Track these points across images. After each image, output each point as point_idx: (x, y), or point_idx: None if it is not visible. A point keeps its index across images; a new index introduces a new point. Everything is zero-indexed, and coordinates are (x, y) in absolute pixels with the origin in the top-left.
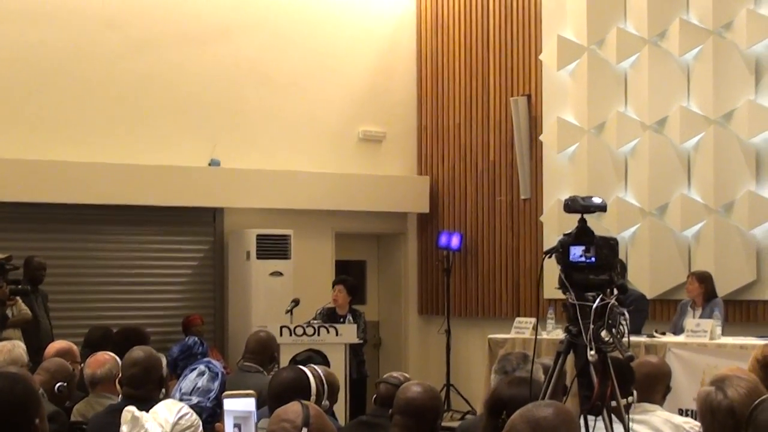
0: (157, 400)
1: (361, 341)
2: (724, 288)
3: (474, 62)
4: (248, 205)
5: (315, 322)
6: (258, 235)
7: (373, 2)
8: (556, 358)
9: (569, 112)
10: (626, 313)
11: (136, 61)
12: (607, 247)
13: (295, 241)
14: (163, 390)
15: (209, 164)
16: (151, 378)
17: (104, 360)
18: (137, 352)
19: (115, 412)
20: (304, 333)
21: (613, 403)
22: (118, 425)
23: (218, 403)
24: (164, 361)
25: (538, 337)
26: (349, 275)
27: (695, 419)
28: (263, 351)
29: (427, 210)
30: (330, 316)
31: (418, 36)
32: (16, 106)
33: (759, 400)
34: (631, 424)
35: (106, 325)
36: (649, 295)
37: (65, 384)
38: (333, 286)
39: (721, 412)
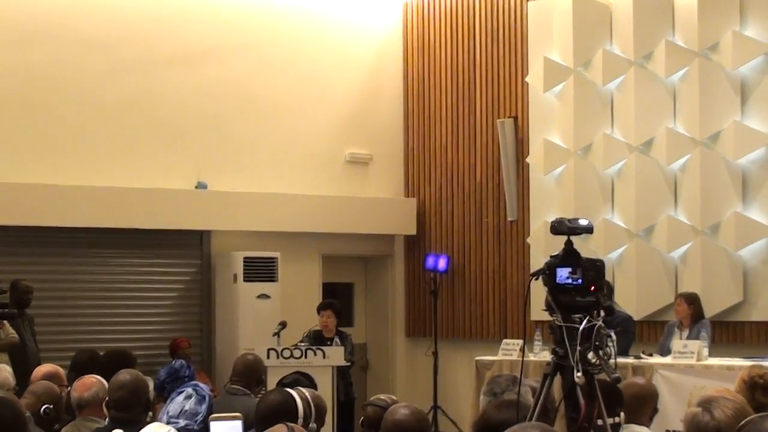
0: (144, 423)
1: (349, 364)
2: (711, 309)
3: (460, 84)
4: (235, 228)
5: (302, 344)
6: (245, 258)
7: (360, 25)
8: (543, 380)
9: (556, 133)
10: (613, 334)
11: (123, 83)
12: (594, 269)
13: (282, 263)
14: (150, 413)
15: (196, 187)
16: (138, 401)
17: (91, 383)
18: (124, 375)
19: None
20: (292, 356)
21: (599, 422)
22: None
23: (205, 426)
24: (151, 384)
25: (525, 358)
26: (337, 297)
27: None
28: (250, 374)
29: (414, 232)
30: (317, 339)
31: (404, 58)
32: (2, 128)
33: (744, 421)
34: None
35: (93, 348)
36: (636, 316)
37: (51, 407)
38: (319, 311)
39: None
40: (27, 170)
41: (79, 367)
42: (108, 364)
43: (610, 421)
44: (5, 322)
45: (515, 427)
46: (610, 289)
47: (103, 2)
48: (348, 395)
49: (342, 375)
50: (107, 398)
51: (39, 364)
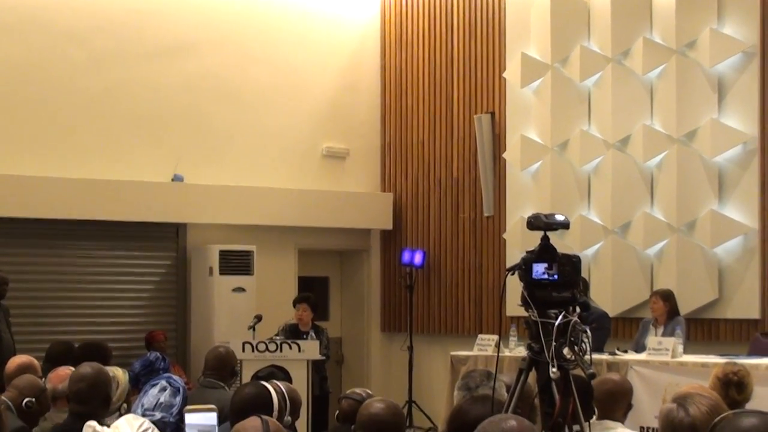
0: (102, 417)
1: (324, 357)
2: (686, 306)
3: (438, 79)
4: (211, 221)
5: (277, 338)
6: (221, 251)
7: (338, 19)
8: (518, 376)
9: (533, 129)
10: (588, 330)
11: (99, 76)
12: (570, 265)
13: (258, 257)
14: (124, 405)
15: (172, 180)
16: (97, 394)
17: (65, 375)
18: (85, 368)
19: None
20: (267, 349)
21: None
22: None
23: (181, 418)
24: (126, 376)
25: (500, 354)
26: (312, 292)
27: None
28: (223, 366)
29: (390, 227)
30: (293, 333)
31: (382, 53)
32: None
33: (719, 417)
34: None
35: (68, 340)
36: (612, 312)
37: (33, 400)
38: (295, 305)
39: (683, 430)
40: (5, 162)
41: (53, 359)
42: (83, 356)
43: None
44: None
45: (491, 419)
46: (586, 286)
47: None
48: (323, 389)
49: (317, 369)
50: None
51: (14, 356)
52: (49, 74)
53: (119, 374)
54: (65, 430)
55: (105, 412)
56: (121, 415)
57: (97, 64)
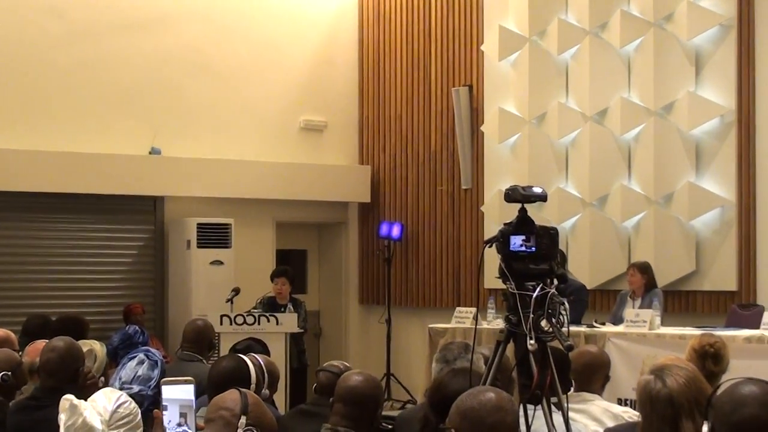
0: (71, 392)
1: (302, 330)
2: (663, 279)
3: (415, 52)
4: (189, 194)
5: (255, 311)
6: (198, 224)
7: None
8: (495, 348)
9: (510, 102)
10: (566, 303)
11: (76, 49)
12: (548, 237)
13: (235, 229)
14: (102, 378)
15: (150, 152)
16: (66, 368)
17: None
18: (57, 341)
19: (27, 403)
20: (245, 322)
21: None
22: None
23: (159, 391)
24: (104, 350)
25: (478, 326)
26: (290, 264)
27: (634, 409)
28: (201, 339)
29: (368, 200)
30: (271, 306)
31: (359, 26)
32: None
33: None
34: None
35: (45, 314)
36: (589, 285)
37: (9, 373)
38: (272, 278)
39: (660, 401)
40: None
41: (30, 332)
42: (60, 329)
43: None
44: None
45: (469, 391)
46: (563, 258)
47: None
48: (301, 362)
49: (295, 342)
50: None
51: None
52: (25, 47)
53: (96, 347)
54: (34, 401)
55: (74, 386)
56: (99, 388)
57: (74, 37)
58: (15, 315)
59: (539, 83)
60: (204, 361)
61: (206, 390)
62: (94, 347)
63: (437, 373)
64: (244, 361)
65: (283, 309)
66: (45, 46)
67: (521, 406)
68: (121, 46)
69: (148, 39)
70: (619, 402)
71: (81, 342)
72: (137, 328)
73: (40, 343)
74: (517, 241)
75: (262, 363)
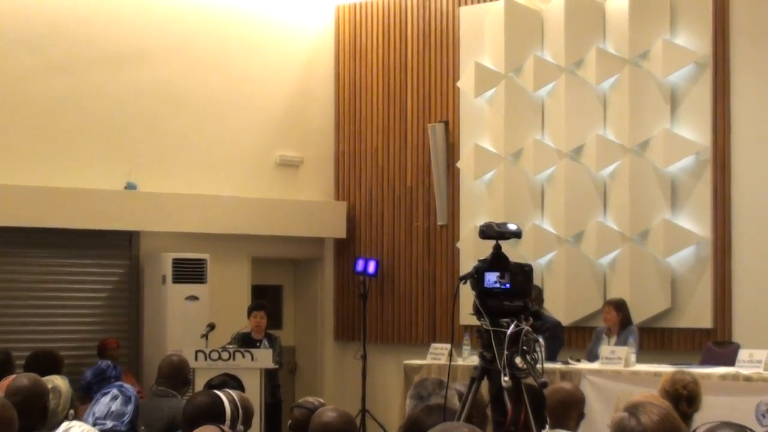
0: (41, 429)
1: (277, 366)
2: (639, 316)
3: (392, 88)
4: (164, 229)
5: (230, 346)
6: (174, 259)
7: (291, 26)
8: (470, 384)
9: (486, 139)
10: (541, 339)
11: (52, 82)
12: (522, 274)
13: (211, 265)
14: (71, 412)
15: (125, 187)
16: (33, 407)
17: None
18: (21, 379)
19: None
20: (220, 357)
21: None
22: None
23: (132, 427)
24: (67, 384)
25: (453, 363)
26: (266, 300)
27: None
28: (176, 375)
29: (344, 235)
30: (245, 341)
31: (336, 61)
32: None
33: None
34: None
35: (7, 349)
36: (565, 322)
37: None
38: (250, 312)
39: None
40: None
41: None
42: (35, 364)
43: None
44: None
45: (442, 426)
46: (540, 293)
47: (33, 1)
48: (275, 397)
49: (270, 377)
50: None
51: None
52: (1, 81)
53: (59, 382)
54: None
55: (43, 423)
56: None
57: (49, 71)
58: None
59: (515, 120)
60: (179, 396)
61: (181, 426)
62: (56, 383)
63: (411, 409)
64: (219, 397)
65: (258, 344)
66: (19, 79)
67: None
68: (97, 81)
69: (125, 73)
70: None
71: (44, 378)
72: (110, 363)
73: (6, 380)
74: (491, 278)
75: (236, 399)
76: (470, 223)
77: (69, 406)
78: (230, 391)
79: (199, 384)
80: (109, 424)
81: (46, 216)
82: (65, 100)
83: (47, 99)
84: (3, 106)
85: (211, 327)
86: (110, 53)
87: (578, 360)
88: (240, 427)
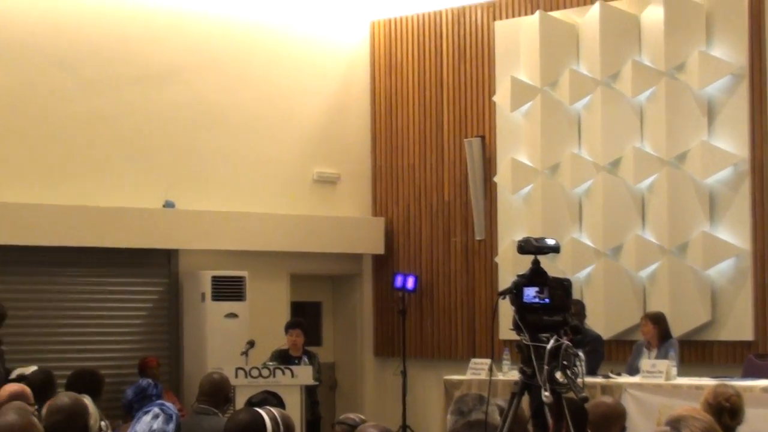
0: None
1: (317, 383)
2: (679, 329)
3: (428, 103)
4: (203, 247)
5: (270, 364)
6: (213, 277)
7: (327, 43)
8: (510, 400)
9: (523, 153)
10: (581, 354)
11: (89, 102)
12: (561, 288)
13: (250, 282)
14: (104, 423)
15: (164, 206)
16: (75, 426)
17: None
18: (62, 398)
19: None
20: (260, 375)
21: None
22: None
23: None
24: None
25: (493, 378)
26: (305, 317)
27: None
28: (217, 393)
29: (382, 251)
30: (283, 358)
31: (371, 77)
32: None
33: None
34: None
35: (48, 368)
36: (605, 335)
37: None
38: (287, 330)
39: None
40: None
41: (33, 388)
42: (76, 383)
43: None
44: None
45: None
46: (582, 308)
47: (70, 21)
48: (314, 414)
49: (309, 394)
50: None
51: (3, 383)
52: (38, 101)
53: (87, 402)
54: None
55: None
56: None
57: (87, 90)
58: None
59: (552, 133)
60: (220, 414)
61: None
62: (85, 402)
63: (452, 425)
64: (260, 415)
65: (296, 361)
66: (58, 99)
67: None
68: (134, 99)
69: (161, 91)
70: None
71: None
72: (151, 381)
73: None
74: (530, 293)
75: (277, 416)
76: (508, 237)
77: (99, 423)
78: (271, 409)
79: (240, 401)
80: None
81: (86, 235)
82: (102, 119)
83: (84, 118)
84: (41, 125)
85: (251, 344)
86: (147, 72)
87: (619, 374)
88: None
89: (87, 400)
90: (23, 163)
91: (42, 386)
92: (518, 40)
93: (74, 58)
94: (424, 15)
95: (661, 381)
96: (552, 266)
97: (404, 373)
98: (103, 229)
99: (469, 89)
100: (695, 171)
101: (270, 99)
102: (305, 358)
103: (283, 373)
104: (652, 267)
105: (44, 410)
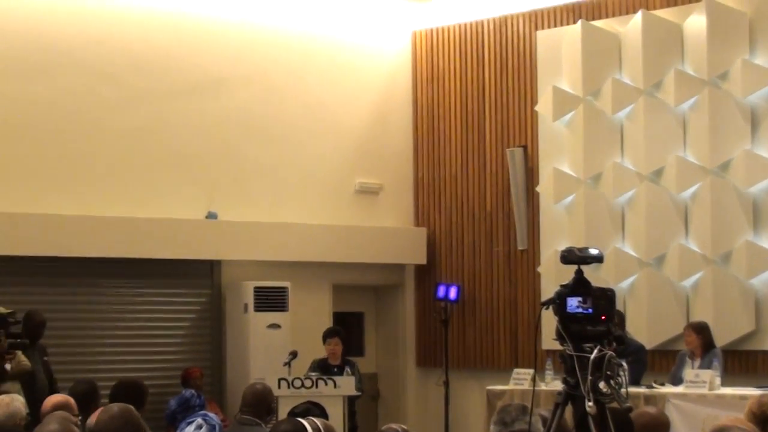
0: None
1: (360, 393)
2: (722, 338)
3: (470, 113)
4: (245, 258)
5: (313, 374)
6: (255, 288)
7: (369, 53)
8: (554, 410)
9: (565, 162)
10: (625, 364)
11: (133, 114)
12: (604, 298)
13: (292, 293)
14: None
15: (206, 217)
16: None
17: None
18: (112, 409)
19: None
20: (303, 385)
21: None
22: None
23: None
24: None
25: (536, 388)
26: (347, 327)
27: None
28: (260, 403)
29: (424, 261)
30: (323, 368)
31: (413, 86)
32: (12, 159)
33: None
34: None
35: (92, 379)
36: (648, 345)
37: None
38: (325, 339)
39: None
40: (39, 201)
41: (77, 398)
42: (120, 394)
43: None
44: (18, 351)
45: None
46: (622, 319)
47: (113, 33)
48: (352, 423)
49: (348, 403)
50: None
51: (48, 395)
52: (81, 113)
53: None
54: None
55: None
56: None
57: (129, 102)
58: (74, 381)
59: (594, 143)
60: (263, 425)
61: None
62: None
63: None
64: (303, 425)
65: (335, 370)
66: (101, 112)
67: None
68: (176, 111)
69: (203, 103)
70: None
71: None
72: (194, 391)
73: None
74: (573, 303)
75: (320, 426)
76: (551, 247)
77: None
78: (314, 419)
79: (283, 412)
80: None
81: (129, 246)
82: (145, 131)
83: (127, 130)
84: (83, 138)
85: (294, 355)
86: (189, 83)
87: (662, 384)
88: None
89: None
90: (65, 175)
91: (85, 397)
92: (560, 50)
93: (117, 70)
94: (465, 25)
95: (704, 391)
96: (595, 276)
97: (447, 384)
98: (147, 240)
99: (511, 99)
100: (738, 180)
101: (312, 110)
102: (347, 368)
103: (326, 383)
104: (696, 276)
105: (90, 419)
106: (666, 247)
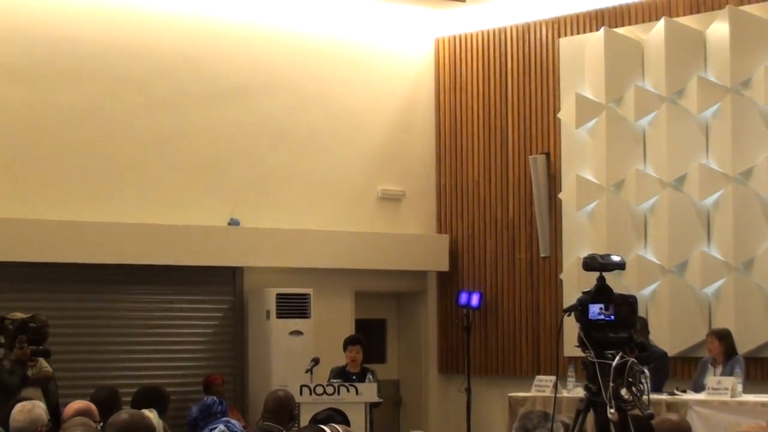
0: None
1: (381, 400)
2: (744, 345)
3: (492, 120)
4: (267, 264)
5: (335, 381)
6: (278, 294)
7: (391, 60)
8: (576, 417)
9: (588, 169)
10: (646, 371)
11: (156, 120)
12: (626, 305)
13: (314, 300)
14: None
15: (229, 223)
16: None
17: None
18: (122, 415)
19: None
20: (324, 392)
21: None
22: None
23: None
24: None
25: (558, 395)
26: (369, 334)
27: None
28: (282, 410)
29: (446, 268)
30: (342, 376)
31: (436, 93)
32: (37, 165)
33: None
34: None
35: (113, 386)
36: (670, 352)
37: None
38: (346, 346)
39: None
40: (62, 207)
41: (98, 405)
42: (141, 400)
43: None
44: (40, 358)
45: None
46: (646, 326)
47: (137, 40)
48: (370, 431)
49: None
50: None
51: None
52: (105, 119)
53: (152, 416)
54: None
55: None
56: None
57: (153, 108)
58: (95, 387)
59: (617, 150)
60: (285, 431)
61: None
62: (150, 416)
63: None
64: None
65: (354, 377)
66: (125, 118)
67: None
68: (200, 117)
69: (227, 110)
70: None
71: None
72: (216, 398)
73: None
74: (595, 310)
75: None
76: (573, 254)
77: None
78: (336, 426)
79: (305, 419)
80: None
81: (151, 253)
82: (169, 138)
83: (151, 136)
84: (108, 144)
85: (316, 362)
86: (212, 90)
87: (684, 391)
88: None
89: (152, 414)
90: (88, 181)
91: (107, 403)
92: (583, 57)
93: (141, 77)
94: (488, 32)
95: (726, 398)
96: (617, 283)
97: (469, 390)
98: (170, 247)
99: (533, 106)
100: (761, 187)
101: (335, 117)
102: (370, 376)
103: (348, 390)
104: (718, 283)
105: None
106: (688, 254)
